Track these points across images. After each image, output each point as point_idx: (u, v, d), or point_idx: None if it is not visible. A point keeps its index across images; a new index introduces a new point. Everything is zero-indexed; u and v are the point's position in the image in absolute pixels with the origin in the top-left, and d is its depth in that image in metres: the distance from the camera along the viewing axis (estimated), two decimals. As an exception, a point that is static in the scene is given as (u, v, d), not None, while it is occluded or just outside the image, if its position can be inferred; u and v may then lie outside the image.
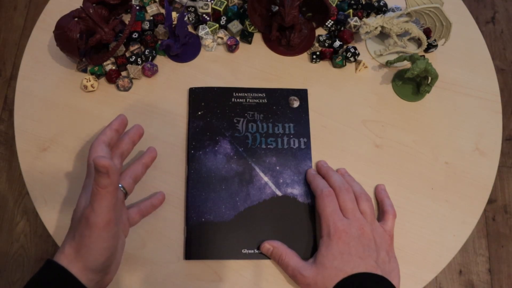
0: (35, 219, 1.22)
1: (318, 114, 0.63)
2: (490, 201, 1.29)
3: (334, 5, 0.69)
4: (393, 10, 0.69)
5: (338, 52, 0.67)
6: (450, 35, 0.64)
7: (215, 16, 0.68)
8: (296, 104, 0.63)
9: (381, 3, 0.70)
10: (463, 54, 0.69)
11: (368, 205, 0.54)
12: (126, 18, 0.68)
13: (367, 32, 0.64)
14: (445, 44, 0.66)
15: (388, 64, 0.65)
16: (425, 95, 0.65)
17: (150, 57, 0.64)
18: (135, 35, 0.65)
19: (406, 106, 0.65)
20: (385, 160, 0.61)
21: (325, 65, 0.67)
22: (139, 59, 0.64)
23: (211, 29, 0.66)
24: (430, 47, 0.67)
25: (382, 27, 0.64)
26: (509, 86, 1.43)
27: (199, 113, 0.61)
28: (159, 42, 0.66)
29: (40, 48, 0.66)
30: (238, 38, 0.67)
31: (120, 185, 0.51)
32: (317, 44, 0.68)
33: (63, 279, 0.43)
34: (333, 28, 0.68)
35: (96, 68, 0.63)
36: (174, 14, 0.67)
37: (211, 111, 0.62)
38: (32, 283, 0.43)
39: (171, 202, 0.57)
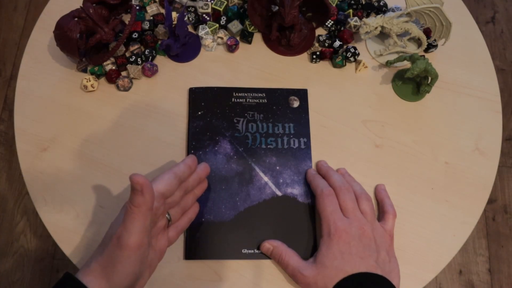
0: (35, 219, 1.22)
1: (318, 114, 0.63)
2: (490, 201, 1.29)
3: (334, 5, 0.69)
4: (393, 10, 0.69)
5: (338, 52, 0.67)
6: (450, 35, 0.64)
7: (215, 16, 0.68)
8: (296, 104, 0.63)
9: (381, 3, 0.70)
10: (463, 54, 0.69)
11: (369, 205, 0.54)
12: (126, 18, 0.68)
13: (367, 32, 0.64)
14: (445, 44, 0.66)
15: (388, 64, 0.65)
16: (425, 95, 0.65)
17: (150, 57, 0.64)
18: (135, 35, 0.65)
19: (406, 106, 0.65)
20: (385, 160, 0.61)
21: (325, 65, 0.67)
22: (139, 59, 0.64)
23: (211, 29, 0.66)
24: (430, 47, 0.67)
25: (382, 27, 0.64)
26: (509, 86, 1.43)
27: (199, 113, 0.61)
28: (159, 42, 0.66)
29: (40, 48, 0.66)
30: (238, 38, 0.67)
31: (167, 214, 0.50)
32: (317, 44, 0.68)
33: None
34: (333, 28, 0.68)
35: (96, 68, 0.63)
36: (174, 14, 0.67)
37: (211, 111, 0.62)
38: None
39: (171, 202, 0.57)
